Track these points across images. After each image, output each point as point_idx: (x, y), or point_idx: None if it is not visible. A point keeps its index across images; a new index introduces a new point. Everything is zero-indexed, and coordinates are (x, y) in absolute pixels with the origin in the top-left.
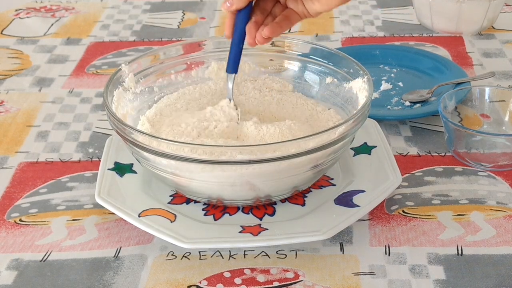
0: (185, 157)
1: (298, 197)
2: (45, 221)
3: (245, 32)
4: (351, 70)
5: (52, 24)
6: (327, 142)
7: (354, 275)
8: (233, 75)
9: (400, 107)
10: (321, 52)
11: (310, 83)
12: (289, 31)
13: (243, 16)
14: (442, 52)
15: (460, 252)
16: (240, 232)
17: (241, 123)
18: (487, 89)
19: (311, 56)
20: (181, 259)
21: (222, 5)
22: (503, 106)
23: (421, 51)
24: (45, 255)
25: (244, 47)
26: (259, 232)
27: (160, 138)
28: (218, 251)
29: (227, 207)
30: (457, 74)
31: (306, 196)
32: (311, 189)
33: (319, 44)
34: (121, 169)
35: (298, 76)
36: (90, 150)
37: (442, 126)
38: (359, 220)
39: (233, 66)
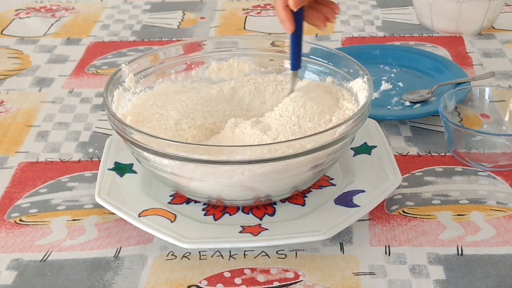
0: (185, 157)
1: (298, 197)
2: (45, 221)
3: (302, 27)
4: (351, 70)
5: (52, 24)
6: (327, 142)
7: (354, 275)
8: (298, 71)
9: (400, 107)
10: (321, 52)
11: None
12: None
13: (300, 12)
14: (442, 52)
15: (460, 252)
16: (240, 232)
17: (239, 124)
18: (487, 89)
19: (311, 56)
20: (181, 259)
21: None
22: (503, 106)
23: (421, 51)
24: (45, 255)
25: (245, 46)
26: (259, 232)
27: (160, 138)
28: (218, 251)
29: (227, 207)
30: (457, 74)
31: (306, 196)
32: (311, 189)
33: (319, 44)
34: (121, 169)
35: (298, 76)
36: (90, 150)
37: (442, 126)
38: (359, 220)
39: (298, 62)
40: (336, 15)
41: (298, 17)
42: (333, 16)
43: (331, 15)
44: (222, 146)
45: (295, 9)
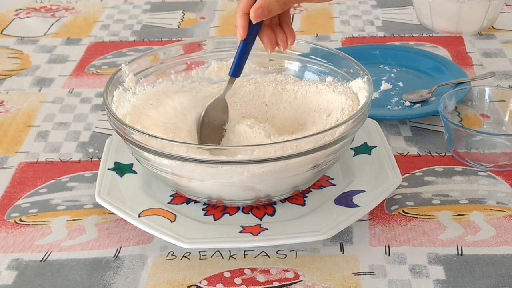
0: (185, 157)
1: (298, 197)
2: (45, 221)
3: (254, 40)
4: (351, 70)
5: (52, 24)
6: (327, 142)
7: (354, 275)
8: (236, 78)
9: (400, 107)
10: (321, 52)
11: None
12: None
13: (258, 24)
14: (442, 52)
15: (460, 252)
16: (240, 232)
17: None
18: (487, 89)
19: (311, 56)
20: (181, 259)
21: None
22: (503, 106)
23: (421, 51)
24: (45, 255)
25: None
26: (259, 232)
27: (160, 138)
28: (218, 251)
29: (227, 207)
30: (457, 74)
31: (306, 196)
32: (311, 189)
33: (319, 44)
34: (121, 169)
35: (298, 76)
36: (90, 150)
37: (442, 126)
38: (359, 220)
39: (239, 70)
40: (288, 46)
41: (254, 28)
42: (285, 45)
43: (283, 43)
44: (222, 146)
45: (254, 21)
